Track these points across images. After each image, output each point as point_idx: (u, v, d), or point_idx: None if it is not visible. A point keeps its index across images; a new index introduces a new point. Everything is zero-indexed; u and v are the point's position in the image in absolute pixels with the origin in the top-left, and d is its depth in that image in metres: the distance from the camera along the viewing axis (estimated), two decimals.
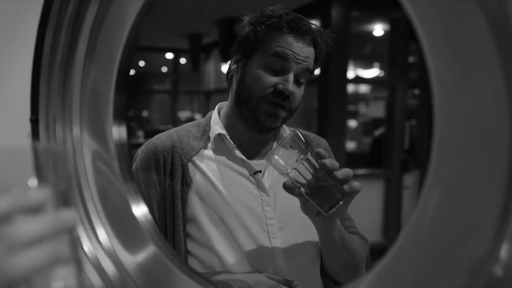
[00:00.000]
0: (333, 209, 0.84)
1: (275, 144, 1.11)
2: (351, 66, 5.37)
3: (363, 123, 6.36)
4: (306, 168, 0.84)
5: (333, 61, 4.39)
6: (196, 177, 1.04)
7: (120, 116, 0.89)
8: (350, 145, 5.91)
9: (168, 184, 1.03)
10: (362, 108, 6.44)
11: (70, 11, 0.86)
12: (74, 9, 0.86)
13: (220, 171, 1.04)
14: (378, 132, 5.52)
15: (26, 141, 0.91)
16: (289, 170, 0.85)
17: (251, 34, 1.01)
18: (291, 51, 0.98)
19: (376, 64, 5.93)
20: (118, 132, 0.90)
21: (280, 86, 0.98)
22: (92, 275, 0.86)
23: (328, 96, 4.41)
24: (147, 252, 0.86)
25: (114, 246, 0.89)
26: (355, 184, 0.85)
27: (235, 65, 1.05)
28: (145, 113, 8.49)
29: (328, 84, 4.41)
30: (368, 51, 5.93)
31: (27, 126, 0.91)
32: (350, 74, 5.09)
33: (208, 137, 1.08)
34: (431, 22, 0.57)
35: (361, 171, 4.81)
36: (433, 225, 0.59)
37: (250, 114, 1.02)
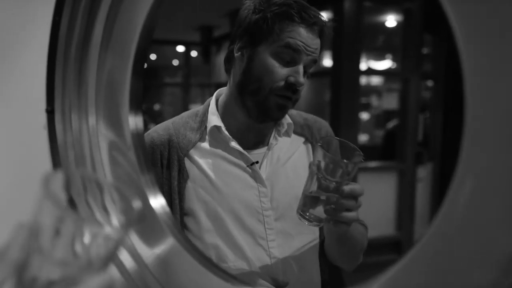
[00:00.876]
0: (309, 224, 0.86)
1: (273, 132, 1.08)
2: (363, 58, 5.32)
3: (376, 116, 6.31)
4: (331, 175, 0.83)
5: (346, 53, 4.34)
6: (193, 171, 1.03)
7: (137, 105, 0.87)
8: (363, 138, 5.86)
9: (165, 178, 1.03)
10: (374, 101, 6.38)
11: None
12: None
13: (216, 164, 1.04)
14: (391, 124, 5.46)
15: (43, 132, 0.90)
16: (317, 165, 0.84)
17: (260, 22, 0.97)
18: (302, 42, 0.96)
19: (389, 55, 5.86)
20: (134, 122, 0.88)
21: (292, 79, 0.96)
22: (111, 268, 0.85)
23: (341, 89, 4.37)
24: (165, 244, 0.85)
25: (132, 238, 0.88)
26: (350, 214, 0.84)
27: (239, 53, 1.02)
28: (157, 107, 8.50)
29: (341, 76, 4.37)
30: (380, 43, 5.86)
31: (43, 117, 0.90)
32: (362, 66, 5.04)
33: (205, 128, 1.06)
34: (463, 3, 0.54)
35: (373, 164, 4.77)
36: (464, 218, 0.56)
37: (257, 106, 1.00)
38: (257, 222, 1.02)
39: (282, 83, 0.96)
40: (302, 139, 1.12)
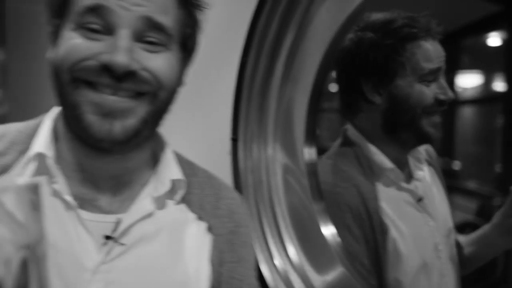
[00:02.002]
0: None
1: (413, 161, 1.03)
2: None
3: None
4: None
5: None
6: (387, 221, 0.93)
7: (312, 136, 0.93)
8: None
9: (369, 237, 0.92)
10: None
11: (270, 40, 0.94)
12: (273, 38, 0.93)
13: (397, 208, 0.96)
14: None
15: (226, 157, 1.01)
16: None
17: (393, 55, 0.92)
18: (436, 57, 0.93)
19: None
20: (308, 152, 0.94)
21: (443, 96, 0.94)
22: None
23: None
24: (335, 272, 0.88)
25: (303, 262, 0.92)
26: None
27: (375, 94, 0.95)
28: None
29: None
30: None
31: (227, 145, 1.01)
32: None
33: (371, 170, 0.98)
34: None
35: None
36: None
37: (414, 134, 0.96)
38: (437, 259, 0.98)
39: (432, 101, 0.94)
40: (425, 162, 1.07)
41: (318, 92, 0.92)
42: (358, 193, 0.93)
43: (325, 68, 0.90)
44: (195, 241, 0.66)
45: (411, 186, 1.00)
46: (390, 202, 0.95)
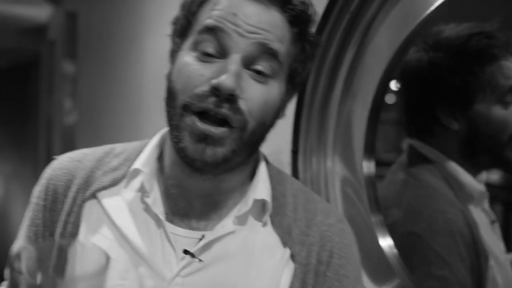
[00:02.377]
0: None
1: None
2: None
3: None
4: None
5: None
6: (486, 245, 0.89)
7: (371, 149, 0.95)
8: None
9: (474, 265, 0.88)
10: None
11: (330, 57, 0.97)
12: (334, 55, 0.97)
13: (487, 230, 0.92)
14: None
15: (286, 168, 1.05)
16: None
17: (470, 79, 0.88)
18: None
19: None
20: (367, 165, 0.96)
21: None
22: None
23: None
24: (392, 283, 0.89)
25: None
26: None
27: (452, 120, 0.91)
28: None
29: None
30: None
31: (287, 156, 1.05)
32: None
33: (462, 192, 0.93)
34: None
35: None
36: None
37: (496, 160, 0.93)
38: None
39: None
40: None
41: (378, 107, 0.94)
42: (464, 218, 0.88)
43: (385, 83, 0.93)
44: (275, 267, 0.64)
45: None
46: (482, 226, 0.90)
